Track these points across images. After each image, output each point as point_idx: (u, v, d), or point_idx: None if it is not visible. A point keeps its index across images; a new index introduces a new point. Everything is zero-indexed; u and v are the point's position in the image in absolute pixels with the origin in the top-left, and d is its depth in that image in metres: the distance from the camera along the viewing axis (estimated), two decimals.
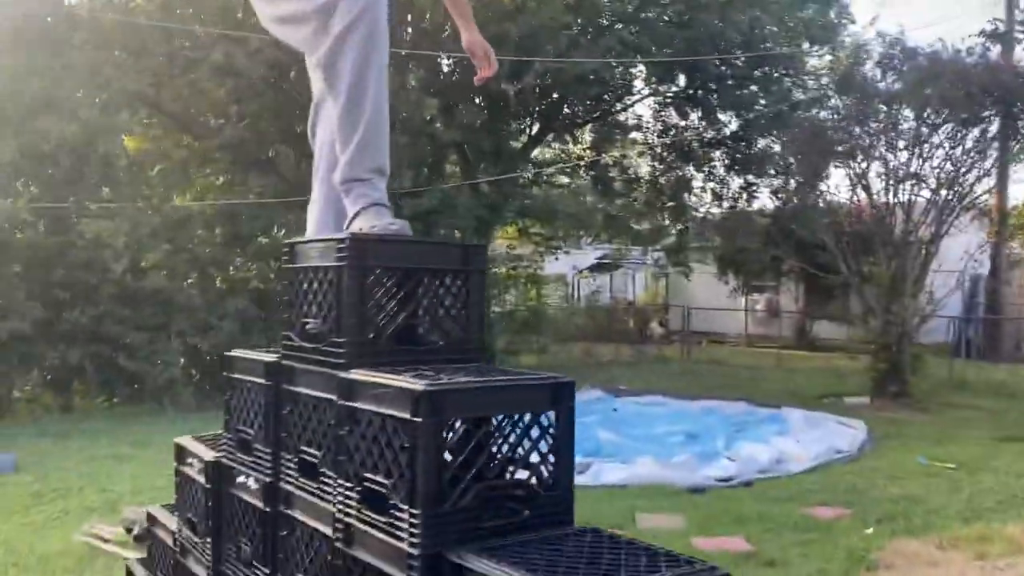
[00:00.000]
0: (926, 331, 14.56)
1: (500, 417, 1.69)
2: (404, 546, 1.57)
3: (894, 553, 5.16)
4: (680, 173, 18.66)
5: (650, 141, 18.20)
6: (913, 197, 12.45)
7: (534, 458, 1.71)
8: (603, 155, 17.11)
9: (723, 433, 9.23)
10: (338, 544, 1.78)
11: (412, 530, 1.55)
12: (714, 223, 19.02)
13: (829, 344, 21.36)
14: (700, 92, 17.14)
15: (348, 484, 1.76)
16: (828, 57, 16.63)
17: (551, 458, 1.72)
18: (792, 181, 17.40)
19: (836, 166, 15.29)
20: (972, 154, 11.46)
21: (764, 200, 18.19)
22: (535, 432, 1.71)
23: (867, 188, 12.48)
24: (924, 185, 11.63)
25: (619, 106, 17.16)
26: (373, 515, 1.67)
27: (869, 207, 12.92)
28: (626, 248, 20.32)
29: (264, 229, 12.39)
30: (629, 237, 18.86)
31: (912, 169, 11.64)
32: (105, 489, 6.80)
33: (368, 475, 1.70)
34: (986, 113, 10.58)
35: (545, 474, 1.72)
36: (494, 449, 1.70)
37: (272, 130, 12.37)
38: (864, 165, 12.19)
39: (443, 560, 1.54)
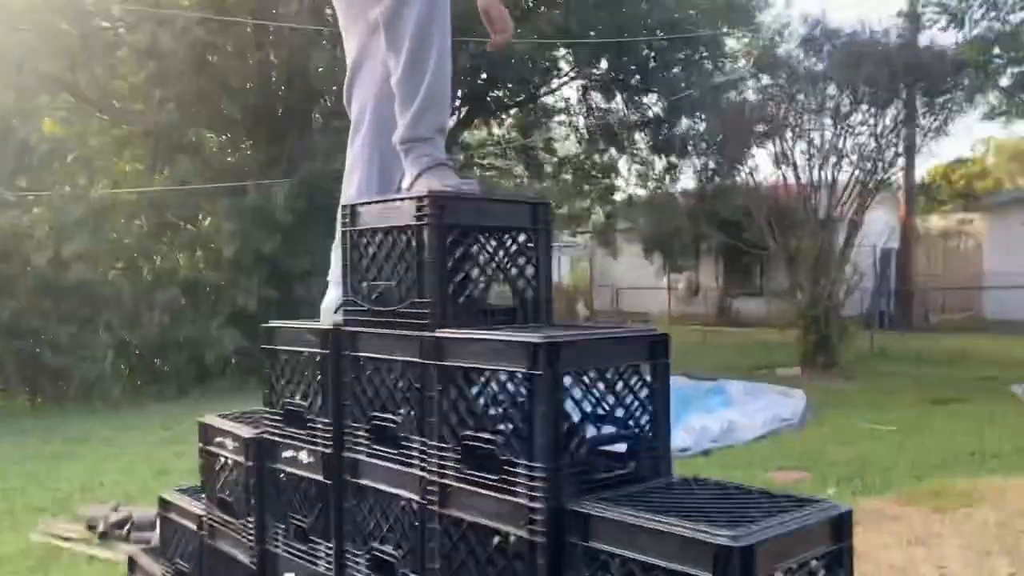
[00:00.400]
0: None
1: (604, 369, 1.68)
2: (523, 501, 1.55)
3: (858, 511, 5.36)
4: (606, 155, 18.90)
5: (576, 123, 18.37)
6: (837, 174, 12.91)
7: (634, 410, 1.71)
8: (531, 137, 17.19)
9: (672, 406, 9.39)
10: (432, 507, 1.74)
11: (533, 484, 1.53)
12: (639, 204, 19.37)
13: (749, 319, 22.05)
14: (625, 75, 17.37)
15: (443, 445, 1.72)
16: (747, 39, 17.05)
17: (650, 410, 1.73)
18: (713, 162, 17.86)
19: (759, 145, 15.74)
20: (891, 133, 11.95)
21: (688, 181, 18.62)
22: (635, 384, 1.71)
23: (793, 165, 12.88)
24: (849, 162, 12.07)
25: (545, 89, 17.23)
26: (477, 473, 1.65)
27: (796, 184, 13.34)
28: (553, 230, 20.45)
29: (191, 217, 12.00)
30: (557, 219, 19.01)
31: (837, 147, 12.07)
32: (50, 487, 6.50)
33: (468, 433, 1.67)
34: (906, 93, 11.03)
35: (646, 426, 1.72)
36: (595, 401, 1.69)
37: (198, 114, 11.96)
38: (791, 143, 12.56)
39: (565, 512, 1.52)
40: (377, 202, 1.98)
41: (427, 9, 1.96)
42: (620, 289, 20.97)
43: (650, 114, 17.93)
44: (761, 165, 17.61)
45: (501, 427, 1.65)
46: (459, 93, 15.65)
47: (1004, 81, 10.11)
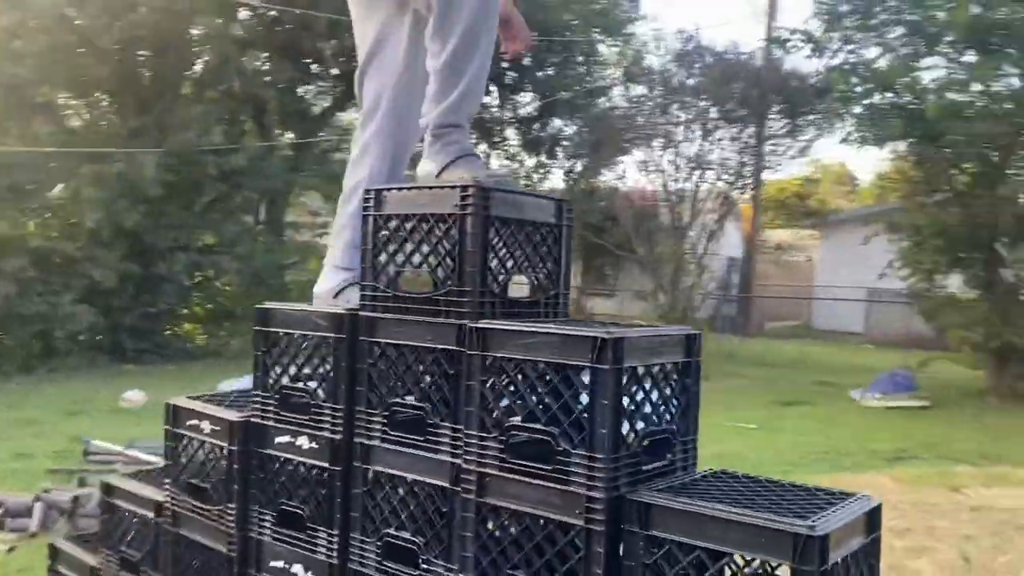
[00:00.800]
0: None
1: (650, 364, 1.75)
2: (579, 490, 1.60)
3: None
4: (477, 149, 19.01)
5: None
6: (700, 184, 13.62)
7: (672, 404, 1.80)
8: None
9: None
10: (467, 495, 1.76)
11: (592, 474, 1.59)
12: None
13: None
14: (500, 71, 17.54)
15: (483, 435, 1.75)
16: (616, 48, 17.62)
17: (684, 405, 1.82)
18: (582, 164, 18.38)
19: (628, 151, 16.34)
20: (752, 149, 12.73)
21: (557, 181, 19.05)
22: (674, 379, 1.79)
23: (660, 173, 13.48)
24: (714, 174, 12.74)
25: None
26: (524, 463, 1.68)
27: (663, 191, 13.97)
28: None
29: (45, 181, 11.14)
30: None
31: (706, 158, 12.73)
32: None
33: (517, 423, 1.70)
34: (772, 112, 11.77)
35: (680, 420, 1.81)
36: (640, 396, 1.76)
37: (56, 73, 11.10)
38: (660, 152, 13.12)
39: (624, 501, 1.59)
40: (410, 188, 1.97)
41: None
42: None
43: (523, 112, 18.20)
44: (629, 171, 18.33)
45: (547, 419, 1.68)
46: (334, 73, 15.33)
47: (858, 109, 10.97)
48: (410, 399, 1.93)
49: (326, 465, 2.04)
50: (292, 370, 2.15)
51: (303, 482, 2.13)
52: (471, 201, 1.83)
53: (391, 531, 1.92)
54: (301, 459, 2.11)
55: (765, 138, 12.37)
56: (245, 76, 11.43)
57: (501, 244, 1.89)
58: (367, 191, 2.02)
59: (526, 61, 17.41)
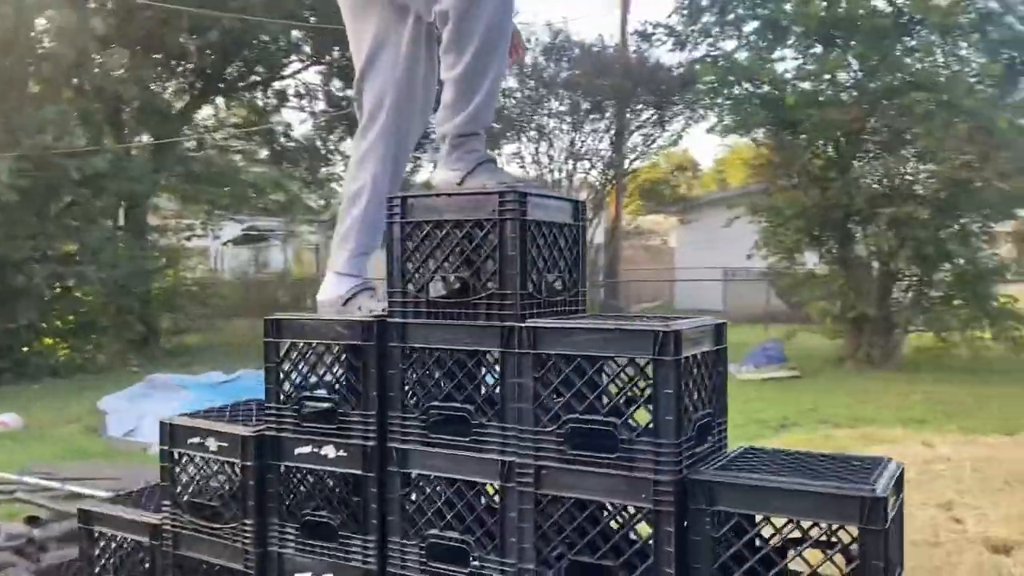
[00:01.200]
0: None
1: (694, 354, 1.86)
2: (647, 475, 1.69)
3: None
4: (344, 143, 18.69)
5: (315, 110, 17.96)
6: (572, 174, 14.00)
7: (711, 390, 1.92)
8: (270, 122, 16.54)
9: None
10: (524, 488, 1.82)
11: (659, 459, 1.69)
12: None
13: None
14: None
15: (539, 429, 1.81)
16: None
17: (719, 390, 1.94)
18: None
19: (505, 143, 16.51)
20: (622, 138, 13.20)
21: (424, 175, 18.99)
22: (709, 366, 1.91)
23: (536, 164, 13.77)
24: (589, 163, 13.12)
25: (288, 71, 16.68)
26: (585, 453, 1.76)
27: (537, 181, 14.23)
28: (287, 218, 19.86)
29: None
30: (298, 207, 18.49)
31: (575, 149, 13.09)
32: None
33: (578, 416, 1.78)
34: (639, 104, 12.24)
35: (717, 405, 1.93)
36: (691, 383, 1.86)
37: None
38: (537, 144, 13.38)
39: (688, 482, 1.70)
40: (439, 195, 2.00)
41: (501, 6, 2.01)
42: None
43: None
44: (503, 162, 18.51)
45: (608, 410, 1.77)
46: (188, 67, 14.69)
47: (720, 100, 11.58)
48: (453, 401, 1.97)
49: (358, 472, 2.05)
50: (312, 380, 2.14)
51: (330, 491, 2.12)
52: (510, 206, 1.88)
53: (436, 532, 1.96)
54: (327, 468, 2.10)
55: (633, 129, 12.85)
56: (103, 73, 10.78)
57: (535, 246, 1.95)
58: (391, 199, 2.03)
59: None
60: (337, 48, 16.49)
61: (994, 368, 11.09)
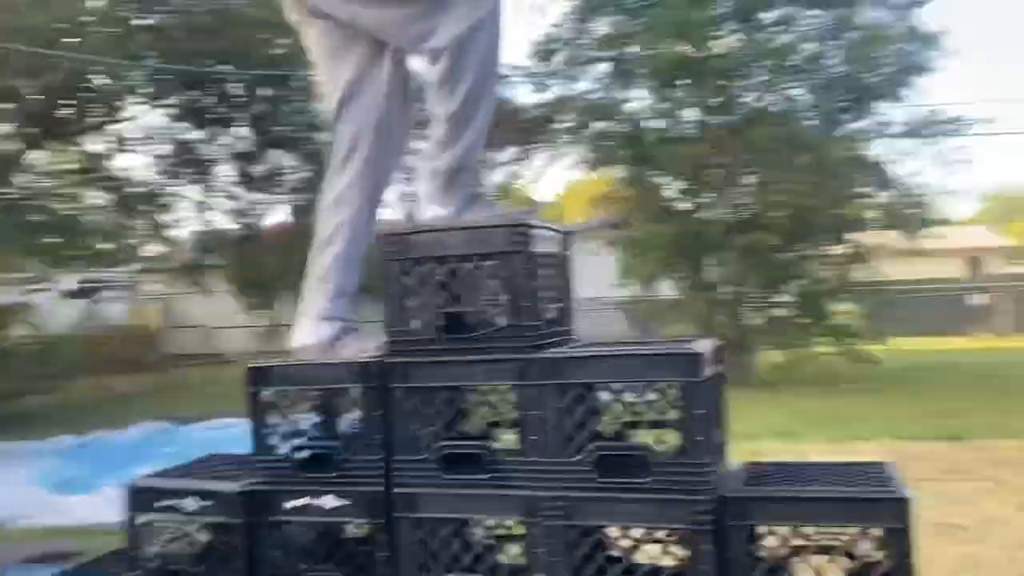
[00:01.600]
0: None
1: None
2: (683, 497, 1.72)
3: None
4: (188, 187, 17.93)
5: (158, 152, 17.14)
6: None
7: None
8: (108, 165, 15.64)
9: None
10: (555, 522, 1.80)
11: (696, 480, 1.71)
12: (225, 239, 18.69)
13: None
14: (214, 104, 16.74)
15: (566, 460, 1.81)
16: None
17: (722, 409, 2.01)
18: (304, 199, 18.04)
19: None
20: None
21: (281, 216, 18.48)
22: (718, 388, 1.97)
23: (401, 201, 13.67)
24: None
25: (127, 113, 15.86)
26: (618, 480, 1.77)
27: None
28: (128, 269, 18.75)
29: None
30: (134, 256, 17.49)
31: None
32: None
33: (611, 443, 1.79)
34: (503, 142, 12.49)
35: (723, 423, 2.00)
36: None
37: None
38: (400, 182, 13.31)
39: (727, 500, 1.74)
40: (444, 229, 1.97)
41: (493, 40, 2.01)
42: (212, 328, 19.93)
43: (240, 147, 17.47)
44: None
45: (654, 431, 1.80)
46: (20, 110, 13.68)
47: (579, 138, 12.02)
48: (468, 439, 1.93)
49: (363, 520, 1.97)
50: (305, 427, 2.04)
51: (332, 543, 2.02)
52: (520, 239, 1.88)
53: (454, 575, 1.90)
54: (326, 519, 2.00)
55: (497, 165, 13.09)
56: None
57: (540, 277, 1.96)
58: (386, 235, 1.98)
59: (239, 93, 16.81)
60: (187, 90, 15.92)
61: (841, 379, 11.93)
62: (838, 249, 12.45)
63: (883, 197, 11.98)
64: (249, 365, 2.07)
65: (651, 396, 1.91)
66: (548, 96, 12.49)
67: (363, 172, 2.18)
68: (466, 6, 1.98)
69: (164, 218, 17.80)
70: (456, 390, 1.94)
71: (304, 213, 18.11)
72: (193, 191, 18.02)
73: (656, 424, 1.95)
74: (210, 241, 18.46)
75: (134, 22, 13.53)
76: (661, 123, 11.94)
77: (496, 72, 2.11)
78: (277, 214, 18.65)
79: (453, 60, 2.00)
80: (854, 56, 11.23)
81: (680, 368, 1.74)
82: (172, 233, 18.68)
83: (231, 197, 18.02)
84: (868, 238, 12.34)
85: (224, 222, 18.39)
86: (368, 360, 1.98)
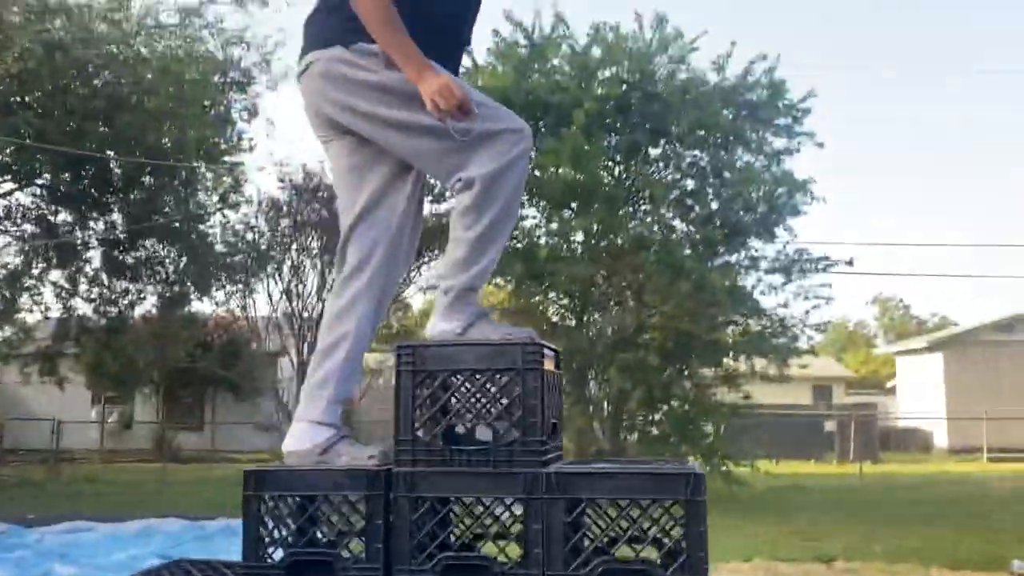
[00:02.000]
0: None
1: None
2: None
3: None
4: (51, 273, 17.05)
5: (21, 234, 16.30)
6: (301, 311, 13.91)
7: None
8: None
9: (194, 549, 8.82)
10: None
11: None
12: (86, 328, 17.74)
13: (190, 455, 21.21)
14: (86, 189, 16.18)
15: (575, 572, 1.89)
16: (222, 176, 17.33)
17: None
18: (175, 290, 17.51)
19: (229, 280, 16.04)
20: None
21: (149, 307, 17.76)
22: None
23: (287, 298, 13.53)
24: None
25: None
26: None
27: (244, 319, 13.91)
28: None
29: None
30: None
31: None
32: None
33: (606, 559, 1.89)
34: None
35: None
36: None
37: None
38: (289, 280, 13.22)
39: None
40: (458, 345, 2.07)
41: (522, 173, 2.17)
42: (61, 422, 18.58)
43: (111, 235, 16.85)
44: (230, 299, 17.85)
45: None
46: None
47: None
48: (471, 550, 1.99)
49: None
50: (302, 534, 2.04)
51: None
52: (532, 357, 2.01)
53: None
54: None
55: None
56: None
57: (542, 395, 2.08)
58: (401, 347, 2.06)
59: (118, 179, 16.34)
60: (60, 171, 15.35)
61: (719, 500, 12.33)
62: (710, 372, 13.09)
63: (753, 325, 12.78)
64: (246, 469, 2.07)
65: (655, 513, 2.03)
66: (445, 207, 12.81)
67: (373, 284, 2.26)
68: (503, 144, 2.15)
69: (20, 300, 16.82)
70: (459, 502, 2.00)
71: (175, 305, 17.56)
72: (56, 275, 17.17)
73: (652, 541, 2.07)
74: (70, 329, 17.47)
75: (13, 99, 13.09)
76: (551, 241, 12.42)
77: (518, 202, 2.26)
78: (145, 305, 17.91)
79: (485, 190, 2.14)
80: (728, 195, 12.18)
81: (679, 487, 1.89)
82: (27, 318, 17.63)
83: (98, 284, 17.23)
84: (737, 363, 13.05)
85: (87, 310, 17.49)
86: (375, 468, 2.03)
